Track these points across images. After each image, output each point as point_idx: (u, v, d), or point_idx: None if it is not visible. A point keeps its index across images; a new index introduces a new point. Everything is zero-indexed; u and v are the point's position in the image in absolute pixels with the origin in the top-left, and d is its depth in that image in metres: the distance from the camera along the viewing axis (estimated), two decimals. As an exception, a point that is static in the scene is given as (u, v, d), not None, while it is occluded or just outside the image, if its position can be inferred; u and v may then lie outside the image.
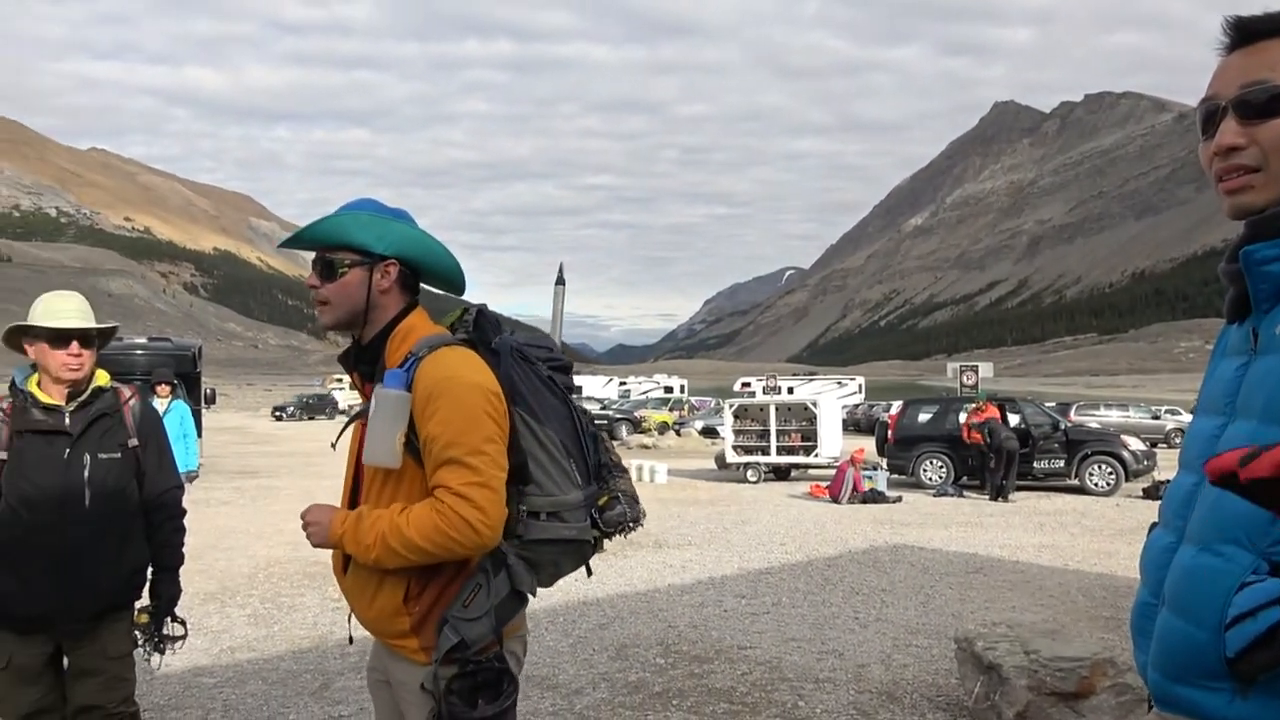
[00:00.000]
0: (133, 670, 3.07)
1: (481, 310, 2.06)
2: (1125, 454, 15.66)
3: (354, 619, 2.06)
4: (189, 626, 3.32)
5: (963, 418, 16.11)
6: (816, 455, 17.60)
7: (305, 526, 2.00)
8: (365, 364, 2.05)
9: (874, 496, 14.10)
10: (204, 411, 18.21)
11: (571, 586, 7.21)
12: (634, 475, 2.41)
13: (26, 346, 2.92)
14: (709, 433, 31.69)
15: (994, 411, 15.49)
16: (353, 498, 2.05)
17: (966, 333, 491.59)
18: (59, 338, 2.87)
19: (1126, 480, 15.42)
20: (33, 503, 2.83)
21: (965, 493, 15.29)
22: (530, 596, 1.97)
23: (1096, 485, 15.36)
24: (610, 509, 2.01)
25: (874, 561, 9.06)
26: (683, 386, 53.75)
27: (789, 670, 5.39)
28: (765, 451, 17.86)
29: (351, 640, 2.20)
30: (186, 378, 14.83)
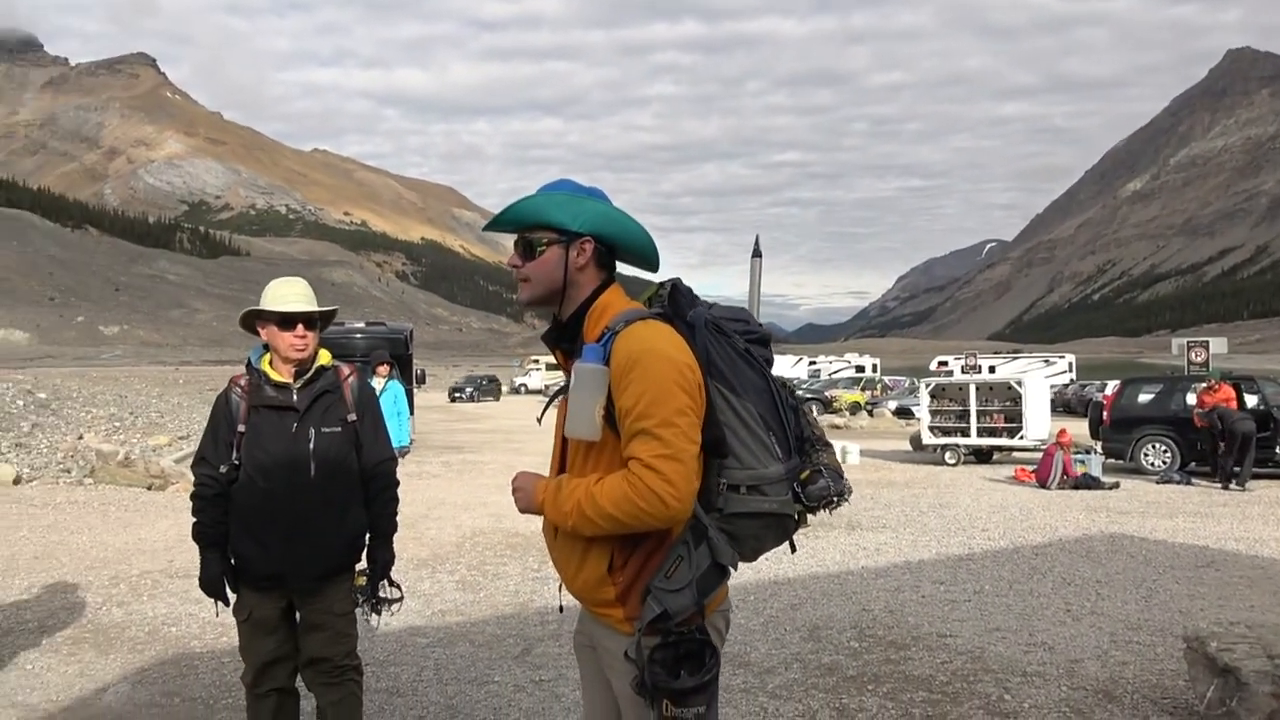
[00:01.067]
0: (354, 627, 3.32)
1: (676, 285, 2.05)
2: (1390, 439, 13.82)
3: (563, 587, 2.12)
4: (404, 589, 3.56)
5: (1191, 399, 14.72)
6: (1022, 437, 16.66)
7: (514, 492, 2.10)
8: (567, 341, 2.10)
9: (1087, 482, 13.16)
10: (415, 391, 19.50)
11: (763, 565, 7.18)
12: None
13: (259, 329, 3.21)
14: (903, 413, 30.67)
15: (1228, 391, 14.06)
16: (561, 470, 2.11)
17: (1194, 306, 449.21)
18: (286, 320, 3.14)
19: (1392, 469, 13.63)
20: (267, 472, 3.11)
21: (1194, 480, 14.00)
22: (732, 570, 1.96)
23: (1354, 474, 13.67)
24: (813, 483, 1.97)
25: (1087, 551, 8.46)
26: (875, 366, 52.27)
27: (993, 661, 5.13)
28: (965, 433, 17.08)
29: (562, 609, 2.24)
30: (400, 359, 15.83)
